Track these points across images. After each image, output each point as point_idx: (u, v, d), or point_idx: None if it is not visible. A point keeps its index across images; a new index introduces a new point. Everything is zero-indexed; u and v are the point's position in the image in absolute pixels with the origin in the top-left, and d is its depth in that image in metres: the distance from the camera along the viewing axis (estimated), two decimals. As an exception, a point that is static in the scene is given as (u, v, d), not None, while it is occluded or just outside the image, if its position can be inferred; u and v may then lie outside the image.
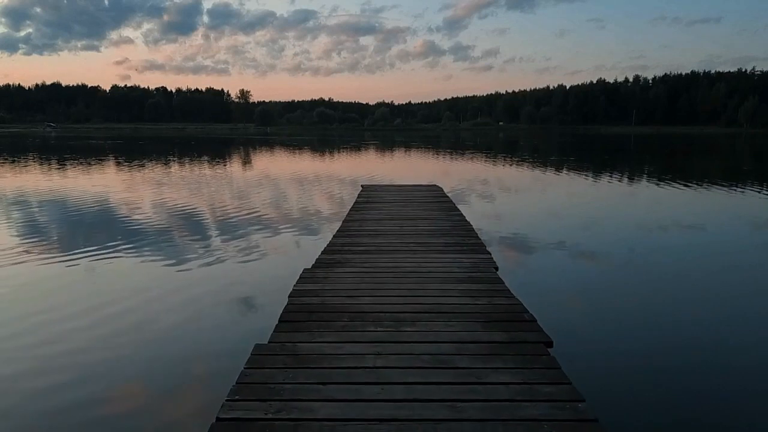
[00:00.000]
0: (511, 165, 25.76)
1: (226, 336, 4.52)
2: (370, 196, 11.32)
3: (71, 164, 24.25)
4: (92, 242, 8.11)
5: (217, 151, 37.94)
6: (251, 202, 12.45)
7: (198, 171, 21.24)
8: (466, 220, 8.30)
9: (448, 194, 11.87)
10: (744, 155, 35.80)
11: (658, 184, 16.65)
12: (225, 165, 25.43)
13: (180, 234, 8.77)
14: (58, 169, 21.66)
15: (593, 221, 10.39)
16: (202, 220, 10.12)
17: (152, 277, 6.37)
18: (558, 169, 23.00)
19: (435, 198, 10.95)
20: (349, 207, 9.97)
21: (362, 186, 13.46)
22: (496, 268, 5.49)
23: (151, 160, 27.04)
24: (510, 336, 3.70)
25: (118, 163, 25.30)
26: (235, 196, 13.64)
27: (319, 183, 16.71)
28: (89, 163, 24.82)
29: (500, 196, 14.52)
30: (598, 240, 8.58)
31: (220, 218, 10.27)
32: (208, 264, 6.83)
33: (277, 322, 3.97)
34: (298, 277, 5.08)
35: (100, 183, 16.36)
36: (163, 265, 6.83)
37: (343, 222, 8.17)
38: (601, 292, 5.91)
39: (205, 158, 29.72)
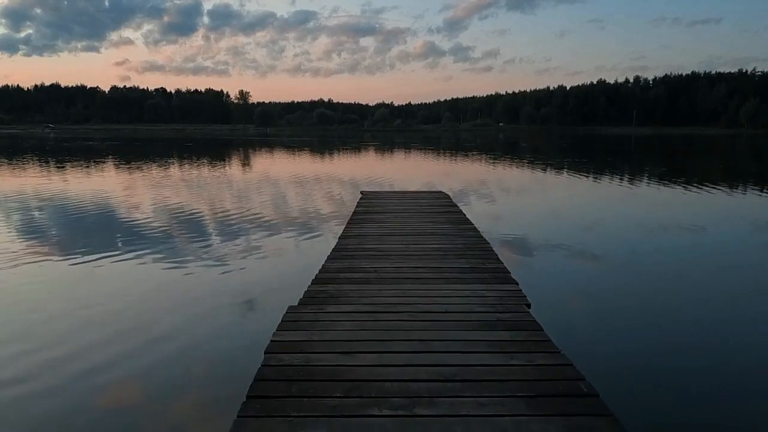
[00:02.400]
0: (517, 167, 24.64)
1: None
2: (370, 204, 10.24)
3: (66, 167, 23.15)
4: (79, 248, 7.83)
5: (214, 153, 36.88)
6: (239, 212, 11.33)
7: (190, 175, 20.14)
8: (480, 236, 7.21)
9: (456, 202, 10.79)
10: (745, 156, 35.13)
11: (684, 187, 15.59)
12: (219, 169, 24.30)
13: (152, 253, 7.68)
14: (52, 172, 20.55)
15: (626, 235, 9.32)
16: (176, 233, 9.02)
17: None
18: (568, 171, 21.90)
19: (442, 207, 9.87)
20: (347, 218, 8.91)
21: (362, 192, 12.38)
22: (528, 305, 4.41)
23: (138, 166, 25.94)
24: (570, 425, 2.62)
25: (106, 168, 24.19)
26: (221, 205, 12.51)
27: (316, 189, 15.61)
28: (84, 166, 23.71)
29: (512, 203, 13.46)
30: (644, 261, 7.42)
31: (197, 231, 9.18)
32: (173, 298, 5.75)
33: (244, 399, 2.89)
34: (279, 320, 4.00)
35: (91, 187, 15.27)
36: (128, 280, 5.78)
37: (339, 238, 7.08)
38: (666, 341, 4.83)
39: (199, 161, 28.62)
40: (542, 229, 9.40)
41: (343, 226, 8.05)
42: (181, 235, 8.81)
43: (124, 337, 4.54)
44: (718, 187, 16.17)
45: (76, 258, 7.22)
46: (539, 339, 3.67)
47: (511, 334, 3.73)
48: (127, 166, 24.42)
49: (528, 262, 7.08)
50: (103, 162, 26.73)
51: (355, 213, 9.22)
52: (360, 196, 11.90)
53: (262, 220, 10.13)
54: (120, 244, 8.12)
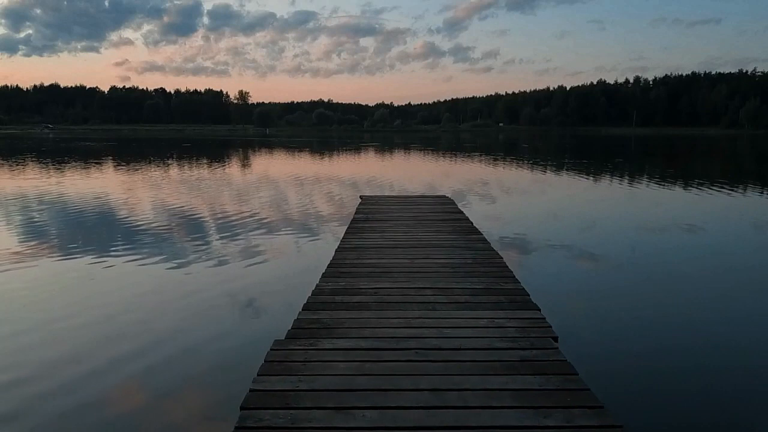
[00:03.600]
0: (521, 169, 23.99)
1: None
2: (370, 210, 9.60)
3: (60, 168, 22.51)
4: (61, 252, 7.71)
5: (210, 155, 36.32)
6: (227, 219, 10.70)
7: (183, 178, 19.50)
8: (491, 248, 6.56)
9: (461, 207, 10.14)
10: (752, 157, 34.73)
11: (709, 189, 14.98)
12: (212, 172, 23.66)
13: (123, 268, 7.04)
14: (45, 173, 19.90)
15: (651, 243, 8.67)
16: (159, 244, 8.39)
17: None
18: (575, 174, 21.26)
19: (447, 213, 9.23)
20: (344, 226, 8.27)
21: (361, 197, 11.74)
22: (555, 338, 3.77)
23: (127, 168, 25.34)
24: None
25: (98, 170, 23.54)
26: (207, 212, 11.85)
27: (312, 192, 14.97)
28: (76, 168, 23.06)
29: (520, 208, 12.79)
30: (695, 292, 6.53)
31: (179, 241, 8.53)
32: (138, 334, 5.12)
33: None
34: (262, 361, 3.36)
35: (78, 189, 14.64)
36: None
37: (336, 251, 6.43)
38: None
39: (194, 164, 28.02)
40: (557, 239, 8.73)
41: (341, 236, 7.42)
42: (163, 246, 8.16)
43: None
44: (732, 188, 15.69)
45: (55, 264, 6.80)
46: (576, 387, 3.02)
47: (540, 380, 3.09)
48: (116, 168, 23.81)
49: (547, 279, 6.38)
50: (97, 163, 26.10)
51: (353, 221, 8.58)
52: (359, 201, 11.28)
53: (253, 228, 9.48)
54: (89, 250, 7.48)
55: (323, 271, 5.48)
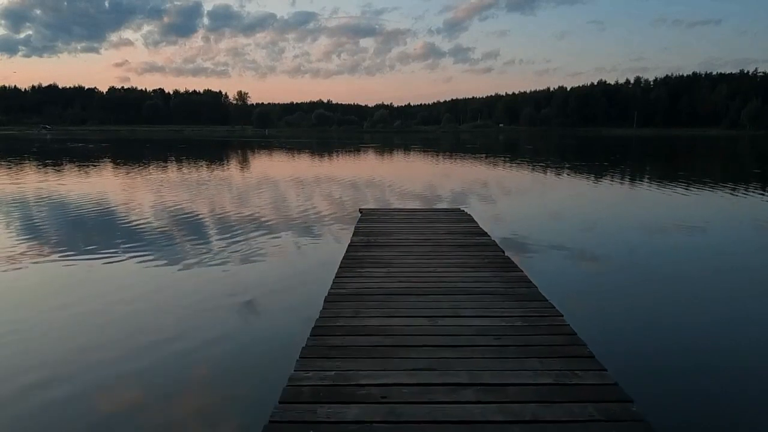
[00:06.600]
0: (533, 172, 22.19)
1: None
2: (371, 230, 7.87)
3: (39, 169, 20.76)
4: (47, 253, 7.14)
5: (205, 157, 34.62)
6: (197, 250, 8.97)
7: (161, 185, 17.75)
8: (542, 297, 4.64)
9: (483, 225, 8.36)
10: (754, 157, 33.25)
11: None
12: (201, 176, 21.91)
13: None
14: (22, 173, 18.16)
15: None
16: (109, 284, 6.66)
17: None
18: (597, 178, 19.50)
19: (468, 236, 7.44)
20: (340, 253, 6.50)
21: (361, 211, 10.01)
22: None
23: (110, 172, 23.63)
24: None
25: (77, 172, 21.77)
26: (170, 240, 10.09)
27: (307, 202, 13.17)
28: (55, 169, 21.32)
29: (551, 224, 10.43)
30: None
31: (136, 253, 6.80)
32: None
33: None
34: None
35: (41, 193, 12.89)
36: None
37: (325, 301, 4.63)
38: None
39: (183, 168, 26.29)
40: (620, 276, 6.95)
41: (333, 269, 5.65)
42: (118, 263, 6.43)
43: None
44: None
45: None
46: None
47: None
48: (99, 172, 22.06)
49: (635, 361, 4.17)
50: (83, 165, 24.33)
51: (351, 246, 6.82)
52: (359, 215, 9.56)
53: (225, 259, 7.68)
54: (74, 254, 5.76)
55: (305, 339, 3.73)
